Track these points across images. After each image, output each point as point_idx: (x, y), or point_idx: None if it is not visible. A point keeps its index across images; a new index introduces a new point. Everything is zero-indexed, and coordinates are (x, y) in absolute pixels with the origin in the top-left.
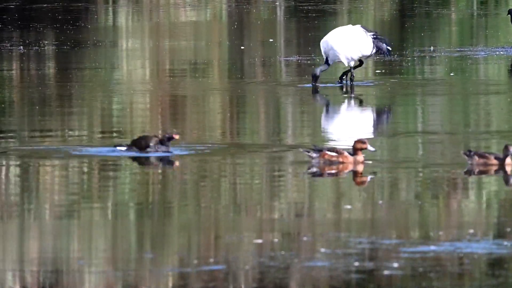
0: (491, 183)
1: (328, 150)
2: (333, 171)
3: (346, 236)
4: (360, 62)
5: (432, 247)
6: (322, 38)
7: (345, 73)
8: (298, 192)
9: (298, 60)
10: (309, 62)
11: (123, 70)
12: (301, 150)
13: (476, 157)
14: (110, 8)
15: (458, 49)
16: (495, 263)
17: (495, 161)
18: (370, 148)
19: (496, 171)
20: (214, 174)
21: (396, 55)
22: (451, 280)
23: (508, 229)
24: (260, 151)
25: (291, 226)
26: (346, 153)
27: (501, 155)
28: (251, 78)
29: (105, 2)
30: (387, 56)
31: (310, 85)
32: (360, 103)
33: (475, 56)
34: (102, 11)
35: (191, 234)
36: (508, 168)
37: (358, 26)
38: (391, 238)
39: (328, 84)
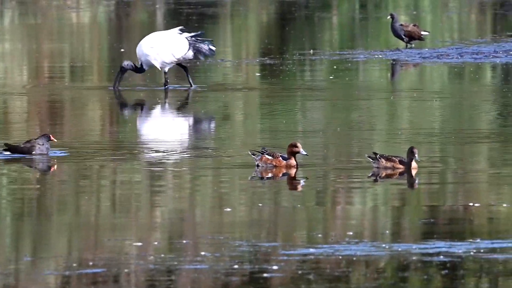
0: (376, 186)
1: (267, 154)
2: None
3: (227, 238)
4: (185, 68)
5: (312, 250)
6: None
7: (188, 76)
8: (179, 194)
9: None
10: (189, 64)
11: (0, 72)
12: (249, 152)
13: (383, 160)
14: None
15: (338, 52)
16: (374, 265)
17: (400, 165)
18: (302, 152)
19: (400, 175)
20: (93, 177)
21: (278, 59)
22: (330, 282)
23: (387, 231)
24: (137, 154)
25: (172, 229)
26: (280, 157)
27: (405, 159)
28: (128, 81)
29: None
30: (210, 56)
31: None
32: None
33: (354, 59)
34: None
35: (71, 237)
36: (413, 172)
37: (174, 30)
38: (271, 241)
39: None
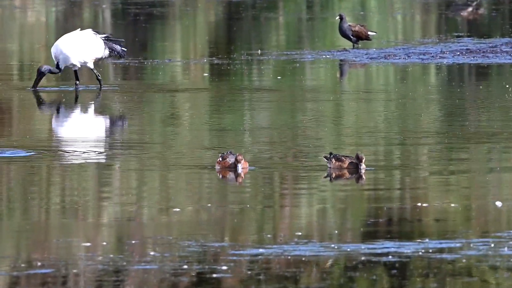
0: (326, 186)
1: (221, 157)
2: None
3: (176, 239)
4: (75, 71)
5: (261, 250)
6: (150, 41)
7: (76, 78)
8: (127, 195)
9: (127, 63)
10: (136, 64)
11: None
12: (219, 154)
13: (333, 160)
14: None
15: (286, 52)
16: (323, 265)
17: (350, 165)
18: (238, 167)
19: (350, 175)
20: (40, 178)
21: (226, 59)
22: (280, 283)
23: (336, 232)
24: (82, 154)
25: (121, 229)
26: (227, 160)
27: (354, 159)
28: (70, 82)
29: None
30: (122, 57)
31: (33, 87)
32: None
33: (302, 60)
34: None
35: (19, 237)
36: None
37: (88, 30)
38: (220, 241)
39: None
